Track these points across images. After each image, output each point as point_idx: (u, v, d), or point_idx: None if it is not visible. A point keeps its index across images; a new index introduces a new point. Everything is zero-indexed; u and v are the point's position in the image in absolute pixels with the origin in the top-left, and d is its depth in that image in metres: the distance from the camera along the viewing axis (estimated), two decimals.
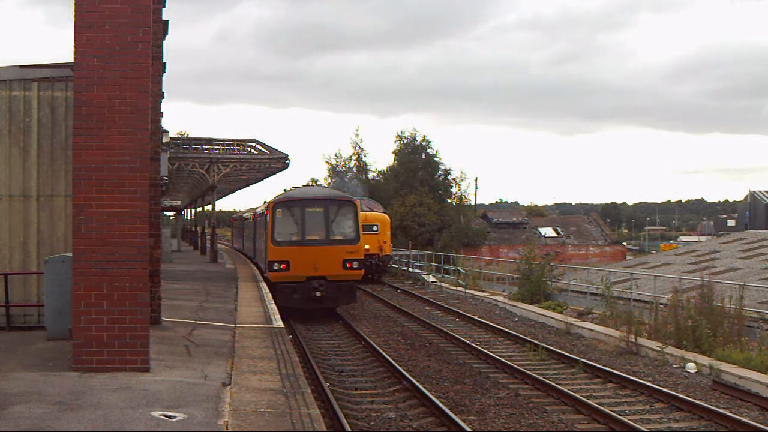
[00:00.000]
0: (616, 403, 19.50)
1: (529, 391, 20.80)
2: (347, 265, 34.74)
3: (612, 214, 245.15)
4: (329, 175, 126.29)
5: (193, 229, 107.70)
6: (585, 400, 19.15)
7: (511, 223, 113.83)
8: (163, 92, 24.50)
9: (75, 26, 14.56)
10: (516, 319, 35.61)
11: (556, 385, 20.64)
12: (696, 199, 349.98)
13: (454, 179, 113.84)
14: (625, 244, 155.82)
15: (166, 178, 35.82)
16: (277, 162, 61.71)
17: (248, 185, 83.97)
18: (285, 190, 44.15)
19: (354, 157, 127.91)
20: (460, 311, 37.36)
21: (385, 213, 58.37)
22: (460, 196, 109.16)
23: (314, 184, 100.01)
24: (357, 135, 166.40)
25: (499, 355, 25.27)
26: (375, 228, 53.28)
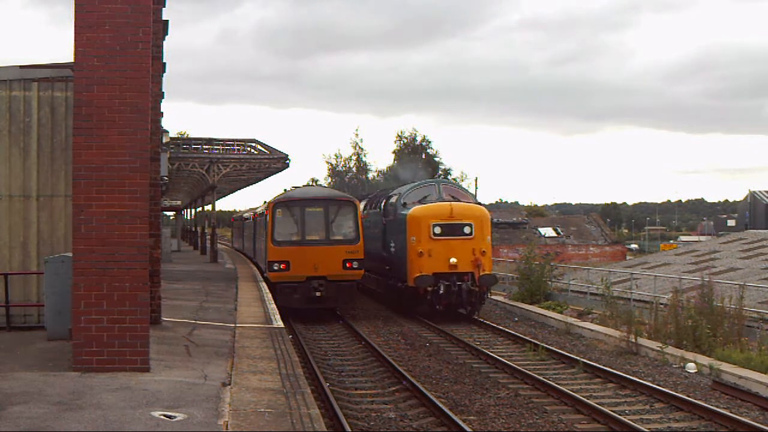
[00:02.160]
0: (616, 403, 19.50)
1: (529, 391, 20.81)
2: (347, 265, 34.76)
3: (612, 214, 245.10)
4: (329, 175, 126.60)
5: (193, 229, 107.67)
6: (585, 400, 19.16)
7: (511, 223, 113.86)
8: (163, 92, 24.53)
9: (75, 26, 14.57)
10: (516, 318, 35.65)
11: (556, 385, 20.65)
12: (696, 199, 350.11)
13: (454, 179, 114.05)
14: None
15: (166, 178, 35.86)
16: (277, 162, 61.72)
17: (248, 185, 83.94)
18: (285, 190, 44.13)
19: (354, 157, 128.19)
20: (461, 311, 37.27)
21: (479, 204, 37.35)
22: None
23: (314, 183, 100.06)
24: (357, 135, 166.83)
25: (499, 355, 25.27)
26: (467, 229, 34.21)
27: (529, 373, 22.23)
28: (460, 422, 16.94)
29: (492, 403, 19.43)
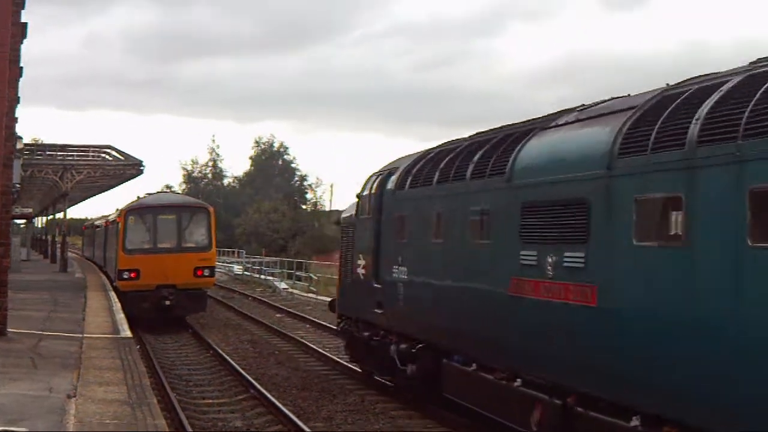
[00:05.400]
0: None
1: (375, 397, 21.14)
2: (198, 273, 34.81)
3: None
4: (184, 182, 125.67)
5: (44, 237, 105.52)
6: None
7: None
8: (19, 97, 24.17)
9: None
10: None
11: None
12: None
13: (309, 185, 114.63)
14: None
15: (18, 186, 35.35)
16: (132, 168, 61.19)
17: (102, 192, 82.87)
18: (138, 197, 43.85)
19: (210, 163, 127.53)
20: (311, 318, 37.67)
21: None
22: (315, 202, 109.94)
23: (169, 190, 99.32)
24: (213, 141, 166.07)
25: (347, 362, 25.57)
26: None
27: (378, 379, 22.50)
28: (307, 429, 17.17)
29: (339, 410, 19.75)
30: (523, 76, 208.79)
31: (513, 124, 16.65)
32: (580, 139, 13.33)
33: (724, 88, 10.36)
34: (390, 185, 20.46)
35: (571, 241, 12.60)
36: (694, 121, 10.29)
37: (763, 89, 9.55)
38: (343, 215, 25.55)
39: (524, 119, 16.38)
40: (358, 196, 22.73)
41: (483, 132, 17.91)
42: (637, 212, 11.16)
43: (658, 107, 11.61)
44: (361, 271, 21.95)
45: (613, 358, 11.48)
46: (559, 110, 15.38)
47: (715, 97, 10.33)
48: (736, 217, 9.36)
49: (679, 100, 11.13)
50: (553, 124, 14.72)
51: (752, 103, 9.50)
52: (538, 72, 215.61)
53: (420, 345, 18.33)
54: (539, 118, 15.80)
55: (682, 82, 12.09)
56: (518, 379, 14.09)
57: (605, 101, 14.18)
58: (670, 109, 11.11)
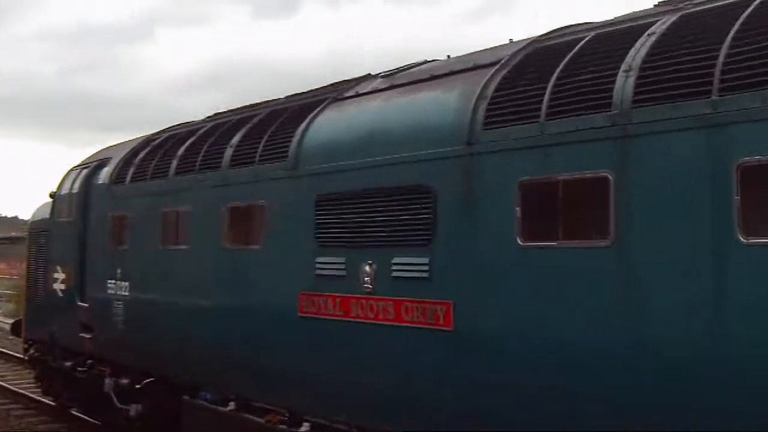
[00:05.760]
0: None
1: (22, 411, 20.63)
2: None
3: None
4: None
5: None
6: None
7: (10, 237, 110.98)
8: None
9: None
10: (12, 336, 35.28)
11: (44, 400, 20.38)
12: None
13: None
14: None
15: None
16: None
17: None
18: None
19: None
20: None
21: None
22: None
23: None
24: None
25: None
26: None
27: (21, 391, 22.09)
28: None
29: None
30: (171, 82, 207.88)
31: (279, 99, 13.20)
32: (411, 109, 9.90)
33: (655, 30, 7.58)
34: (101, 180, 16.47)
35: (406, 242, 9.29)
36: (622, 74, 7.42)
37: (738, 24, 6.83)
38: (32, 219, 20.69)
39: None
40: (52, 195, 18.45)
41: (228, 111, 14.42)
42: (525, 201, 8.06)
43: (540, 60, 8.64)
44: (59, 286, 17.65)
45: (482, 396, 8.45)
46: (350, 78, 12.08)
47: (646, 42, 7.53)
48: (713, 204, 6.58)
49: (577, 49, 8.26)
50: (353, 93, 11.34)
51: (726, 44, 6.74)
52: (186, 78, 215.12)
53: (149, 379, 14.47)
54: (324, 87, 12.41)
55: (549, 32, 9.30)
56: (305, 423, 10.77)
57: (417, 64, 11.22)
58: (566, 61, 8.17)
